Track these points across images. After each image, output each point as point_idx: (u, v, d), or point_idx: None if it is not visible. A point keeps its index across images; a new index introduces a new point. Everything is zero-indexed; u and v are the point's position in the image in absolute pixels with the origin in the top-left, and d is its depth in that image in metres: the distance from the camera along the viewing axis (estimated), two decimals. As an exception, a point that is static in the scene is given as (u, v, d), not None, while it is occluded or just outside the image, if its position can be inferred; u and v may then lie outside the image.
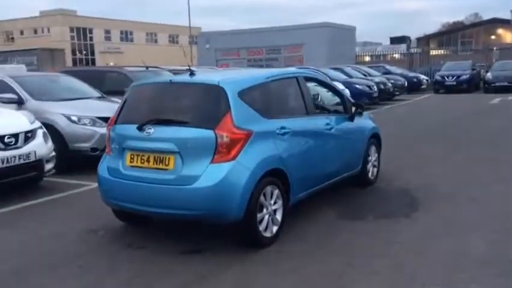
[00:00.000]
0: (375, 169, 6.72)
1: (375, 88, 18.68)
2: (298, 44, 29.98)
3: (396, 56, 48.07)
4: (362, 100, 17.84)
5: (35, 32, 61.24)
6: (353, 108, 5.99)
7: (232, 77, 4.79)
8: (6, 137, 5.95)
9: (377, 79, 20.47)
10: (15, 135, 6.08)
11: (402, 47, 47.67)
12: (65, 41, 58.89)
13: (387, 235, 4.65)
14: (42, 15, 61.79)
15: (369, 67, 25.51)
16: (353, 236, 4.66)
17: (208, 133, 4.10)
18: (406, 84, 23.55)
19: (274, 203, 4.49)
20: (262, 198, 4.30)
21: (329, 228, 4.90)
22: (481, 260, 4.02)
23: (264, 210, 4.35)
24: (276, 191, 4.49)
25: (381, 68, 26.45)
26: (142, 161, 4.34)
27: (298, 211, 5.30)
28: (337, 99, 6.43)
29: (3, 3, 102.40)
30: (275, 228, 4.50)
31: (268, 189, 4.38)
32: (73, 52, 59.92)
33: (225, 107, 4.18)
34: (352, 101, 6.20)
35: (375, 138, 6.66)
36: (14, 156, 5.96)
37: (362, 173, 6.33)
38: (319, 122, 5.28)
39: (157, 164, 4.26)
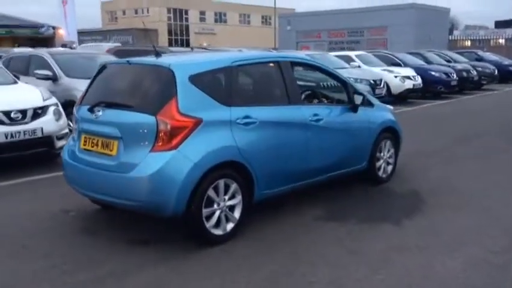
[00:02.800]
0: (390, 167, 6.04)
1: (455, 76, 17.11)
2: (382, 26, 28.49)
3: (501, 41, 44.06)
4: (437, 88, 16.63)
5: (136, 12, 64.44)
6: (358, 99, 5.36)
7: (189, 60, 4.44)
8: (12, 113, 6.15)
9: (459, 66, 18.76)
10: (23, 111, 6.27)
11: (508, 31, 43.54)
12: (162, 21, 61.45)
13: (353, 243, 4.11)
14: (143, -5, 64.77)
15: (458, 53, 23.54)
16: (315, 241, 4.18)
17: (149, 119, 3.83)
18: (497, 72, 21.35)
19: (231, 198, 4.14)
20: (211, 192, 3.96)
21: (297, 229, 4.44)
22: None
23: (215, 205, 4.02)
24: (234, 186, 4.13)
25: (472, 54, 24.30)
26: (92, 144, 4.20)
27: (277, 208, 4.89)
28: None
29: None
30: (230, 226, 4.15)
31: (221, 183, 4.03)
32: (169, 32, 62.36)
33: (171, 92, 3.87)
34: (359, 90, 5.57)
35: (390, 133, 5.97)
36: (19, 132, 6.15)
37: (368, 170, 5.72)
38: (303, 113, 4.77)
39: (103, 148, 4.10)
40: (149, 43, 42.95)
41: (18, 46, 29.04)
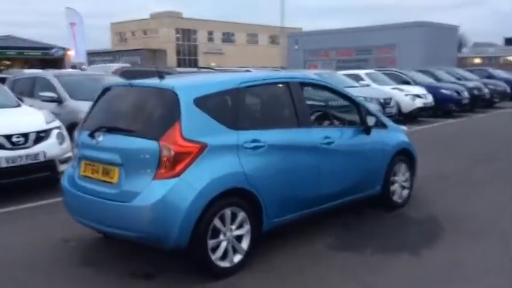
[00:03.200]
0: (406, 191, 5.76)
1: (466, 94, 16.83)
2: (390, 44, 28.35)
3: (511, 58, 43.79)
4: (448, 107, 16.34)
5: (145, 33, 65.09)
6: (371, 120, 5.12)
7: (194, 82, 4.26)
8: (14, 136, 5.99)
9: (470, 84, 18.48)
10: (25, 135, 6.11)
11: (518, 48, 43.32)
12: (171, 42, 61.96)
13: (368, 277, 3.83)
14: (152, 17, 65.49)
15: (468, 70, 23.27)
16: (326, 273, 3.91)
17: (152, 144, 3.62)
18: (509, 90, 21.04)
19: (238, 227, 3.90)
20: (217, 222, 3.73)
21: (306, 260, 4.17)
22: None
23: (221, 236, 3.77)
24: (241, 214, 3.89)
25: (483, 71, 24.02)
26: (93, 171, 4.00)
27: (285, 236, 4.63)
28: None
29: (118, 6, 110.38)
30: (238, 258, 3.89)
31: (228, 212, 3.79)
32: (178, 53, 62.83)
33: (175, 115, 3.67)
34: (372, 111, 5.34)
35: (404, 155, 5.71)
36: (21, 156, 5.98)
37: (383, 195, 5.45)
38: (314, 136, 4.54)
39: (104, 175, 3.89)
40: (157, 64, 43.30)
41: (29, 68, 29.33)
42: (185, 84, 4.02)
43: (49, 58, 47.70)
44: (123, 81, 4.85)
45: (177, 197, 3.53)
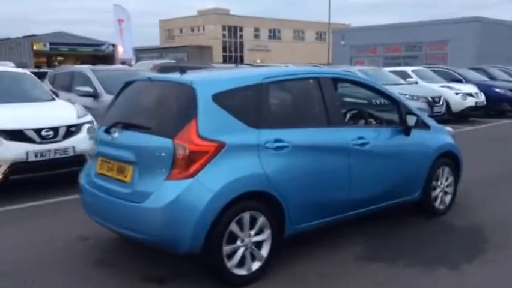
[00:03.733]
0: (448, 196, 5.30)
1: (522, 93, 15.79)
2: (442, 40, 27.20)
3: None
4: (501, 106, 15.40)
5: (192, 30, 65.78)
6: (411, 120, 4.70)
7: (214, 77, 4.00)
8: (44, 130, 5.95)
9: (527, 82, 17.36)
10: (55, 129, 6.06)
11: None
12: (217, 38, 62.35)
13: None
14: (199, 14, 66.09)
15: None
16: (354, 285, 3.57)
17: (166, 142, 3.40)
18: None
19: (258, 233, 3.62)
20: (234, 227, 3.46)
21: (334, 270, 3.84)
22: None
23: (238, 242, 3.51)
24: (261, 219, 3.60)
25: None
26: (108, 169, 3.83)
27: (311, 242, 4.32)
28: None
29: (168, 3, 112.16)
30: (256, 265, 3.61)
31: (246, 216, 3.52)
32: (224, 49, 63.09)
33: (191, 112, 3.43)
34: (413, 110, 4.91)
35: (448, 158, 5.25)
36: (50, 150, 5.93)
37: (423, 201, 5.02)
38: (345, 136, 4.19)
39: (118, 174, 3.71)
40: (205, 59, 43.52)
41: (81, 64, 30.19)
42: (204, 79, 3.78)
43: (100, 54, 49.16)
44: (143, 76, 4.66)
45: (190, 199, 3.29)
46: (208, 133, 3.40)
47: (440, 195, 5.20)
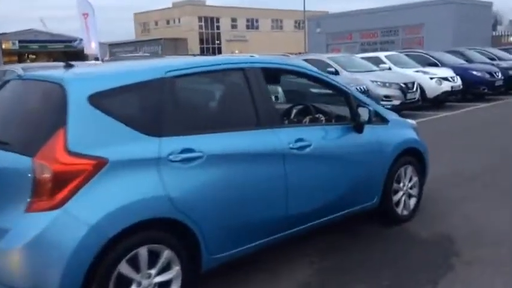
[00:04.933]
0: (412, 200, 4.58)
1: (500, 75, 15.18)
2: (417, 24, 26.54)
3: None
4: (479, 89, 14.77)
5: (168, 22, 64.32)
6: (363, 114, 3.94)
7: (99, 71, 3.17)
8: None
9: (505, 64, 16.77)
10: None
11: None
12: (193, 30, 61.06)
13: None
14: (174, 6, 64.64)
15: (504, 50, 21.38)
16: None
17: (24, 162, 2.58)
18: (549, 69, 19.13)
19: (162, 271, 2.83)
20: (125, 267, 2.67)
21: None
22: None
23: (133, 286, 2.72)
24: (166, 253, 2.82)
25: (520, 50, 22.07)
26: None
27: (252, 262, 3.55)
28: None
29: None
30: (161, 311, 2.83)
31: (143, 251, 2.73)
32: (201, 41, 61.86)
33: (59, 120, 2.61)
34: (366, 102, 4.15)
35: (411, 156, 4.51)
36: None
37: (382, 207, 4.30)
38: (280, 139, 3.40)
39: (-23, 202, 2.88)
40: (180, 52, 42.41)
41: (53, 61, 28.97)
42: (81, 75, 2.95)
43: (71, 51, 47.65)
44: (15, 75, 3.80)
45: (57, 236, 2.49)
46: (82, 147, 2.59)
47: (403, 199, 4.48)
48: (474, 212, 4.72)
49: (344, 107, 4.12)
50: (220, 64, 3.38)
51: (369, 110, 3.87)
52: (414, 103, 12.22)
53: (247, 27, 66.68)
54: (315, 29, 31.21)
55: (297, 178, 3.48)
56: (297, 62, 11.62)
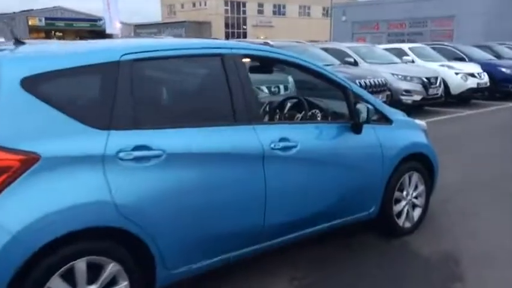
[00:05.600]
0: (417, 210, 4.09)
1: (531, 73, 14.31)
2: (447, 16, 25.49)
3: None
4: (507, 88, 13.96)
5: (194, 5, 63.83)
6: (362, 111, 3.44)
7: (41, 51, 2.75)
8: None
9: (538, 61, 15.84)
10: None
11: None
12: (219, 14, 60.50)
13: None
14: (201, -12, 64.09)
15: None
16: None
17: None
18: None
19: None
20: (58, 283, 2.26)
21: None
22: None
23: (68, 305, 2.33)
24: (111, 267, 2.42)
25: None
26: None
27: (226, 276, 3.14)
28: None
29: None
30: None
31: (80, 265, 2.32)
32: (226, 25, 61.29)
33: None
34: (367, 98, 3.65)
35: (418, 161, 4.02)
36: None
37: (381, 218, 3.83)
38: (260, 137, 2.94)
39: None
40: (204, 35, 42.00)
41: (80, 39, 29.02)
42: (19, 54, 2.54)
43: (97, 29, 47.78)
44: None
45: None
46: (8, 139, 2.19)
47: (405, 209, 3.99)
48: (485, 227, 4.21)
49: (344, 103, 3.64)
50: (192, 48, 2.91)
51: (368, 108, 3.37)
52: (437, 99, 11.56)
53: (274, 12, 65.75)
54: (340, 17, 30.36)
55: (278, 183, 3.04)
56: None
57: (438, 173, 4.24)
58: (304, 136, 3.22)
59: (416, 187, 4.05)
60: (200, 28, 44.25)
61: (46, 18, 47.00)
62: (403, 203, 3.97)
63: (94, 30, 47.81)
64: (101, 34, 42.60)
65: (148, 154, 2.51)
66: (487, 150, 7.28)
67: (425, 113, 11.07)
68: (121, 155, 2.43)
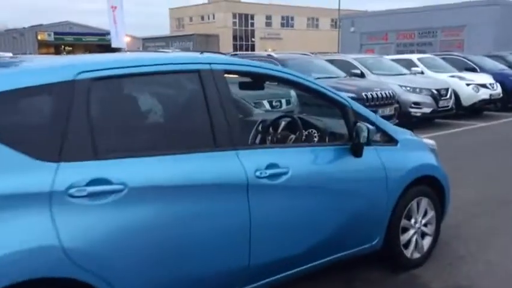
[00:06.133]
0: (427, 239, 3.68)
1: (545, 83, 13.81)
2: (458, 26, 25.03)
3: None
4: (522, 99, 13.46)
5: (202, 18, 64.01)
6: (363, 132, 3.05)
7: None
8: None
9: (552, 71, 15.34)
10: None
11: None
12: (227, 27, 60.58)
13: None
14: (209, 2, 64.31)
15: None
16: None
17: None
18: None
19: None
20: None
21: None
22: None
23: None
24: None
25: None
26: None
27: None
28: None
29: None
30: None
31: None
32: (234, 38, 61.30)
33: None
34: (368, 117, 3.27)
35: (427, 185, 3.61)
36: None
37: (386, 250, 3.42)
38: (242, 165, 2.57)
39: None
40: (211, 48, 41.83)
41: (89, 53, 29.06)
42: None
43: (106, 44, 47.89)
44: None
45: None
46: None
47: (414, 238, 3.58)
48: (503, 256, 3.77)
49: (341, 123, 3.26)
50: (164, 64, 2.55)
51: (368, 129, 2.98)
52: (447, 111, 11.14)
53: (282, 25, 65.68)
54: (348, 28, 30.04)
55: (266, 216, 2.65)
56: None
57: (449, 197, 3.83)
58: (297, 161, 2.84)
59: (425, 214, 3.64)
60: (208, 41, 44.09)
61: (55, 33, 47.16)
62: (411, 231, 3.56)
63: (102, 44, 47.96)
64: (110, 48, 42.80)
65: (105, 189, 2.14)
66: (502, 164, 6.84)
67: (436, 126, 10.64)
68: (72, 191, 2.07)
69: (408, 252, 3.55)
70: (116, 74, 2.33)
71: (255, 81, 3.23)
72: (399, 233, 3.46)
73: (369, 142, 3.05)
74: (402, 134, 3.58)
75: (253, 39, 63.04)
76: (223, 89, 2.63)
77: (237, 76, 3.11)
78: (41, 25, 48.54)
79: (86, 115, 2.18)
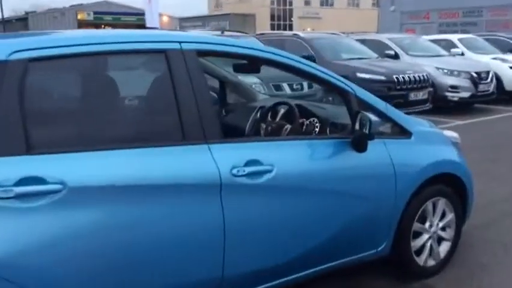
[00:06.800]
0: (444, 245, 3.23)
1: None
2: (505, 4, 23.53)
3: None
4: None
5: (237, -3, 63.28)
6: (365, 121, 2.61)
7: None
8: None
9: None
10: None
11: None
12: (265, 6, 59.72)
13: None
14: (247, -19, 63.42)
15: None
16: None
17: None
18: None
19: None
20: None
21: None
22: None
23: None
24: None
25: None
26: None
27: None
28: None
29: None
30: None
31: None
32: (272, 18, 60.41)
33: None
34: (374, 105, 2.82)
35: (446, 184, 3.14)
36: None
37: (395, 256, 3.00)
38: (215, 161, 2.20)
39: None
40: (248, 28, 41.30)
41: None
42: None
43: (144, 23, 48.14)
44: None
45: None
46: None
47: (428, 244, 3.14)
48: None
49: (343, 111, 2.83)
50: (122, 43, 2.17)
51: (369, 120, 2.54)
52: (488, 96, 10.35)
53: (321, 3, 64.19)
54: (388, 7, 28.83)
55: (244, 221, 2.29)
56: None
57: (473, 198, 3.35)
58: (284, 157, 2.44)
59: (443, 216, 3.18)
60: (244, 20, 43.52)
61: (94, 13, 47.81)
62: (425, 236, 3.11)
63: (140, 24, 48.24)
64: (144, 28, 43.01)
65: (38, 189, 1.82)
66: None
67: (474, 112, 9.93)
68: None
69: (421, 260, 3.11)
70: (60, 53, 1.98)
71: (249, 63, 2.82)
72: (410, 237, 3.03)
73: (371, 136, 2.61)
74: (417, 125, 3.11)
75: (291, 18, 61.92)
76: (194, 73, 2.25)
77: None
78: (81, 5, 49.16)
79: (18, 102, 1.85)
